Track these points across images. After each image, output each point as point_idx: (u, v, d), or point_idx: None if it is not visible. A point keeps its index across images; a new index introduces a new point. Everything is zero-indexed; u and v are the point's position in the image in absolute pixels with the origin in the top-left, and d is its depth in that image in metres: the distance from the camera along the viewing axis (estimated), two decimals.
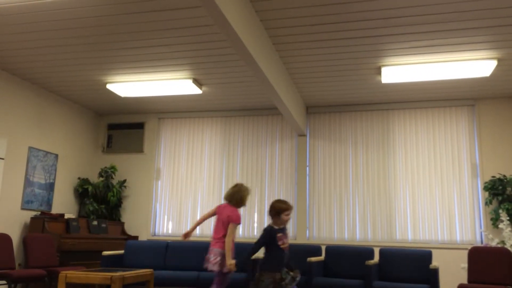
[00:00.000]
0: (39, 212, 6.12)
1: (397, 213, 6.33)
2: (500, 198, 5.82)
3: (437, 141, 6.42)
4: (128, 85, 6.06)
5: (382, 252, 5.32)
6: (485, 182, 5.97)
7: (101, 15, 4.23)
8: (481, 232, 6.00)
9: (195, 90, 6.10)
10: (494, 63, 5.01)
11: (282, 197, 6.74)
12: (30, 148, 6.17)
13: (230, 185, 7.06)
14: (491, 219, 5.87)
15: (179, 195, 7.17)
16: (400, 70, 5.26)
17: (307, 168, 6.76)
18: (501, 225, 5.49)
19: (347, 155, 6.68)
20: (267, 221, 6.69)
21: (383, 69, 5.26)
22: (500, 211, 5.62)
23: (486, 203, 5.93)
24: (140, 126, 7.52)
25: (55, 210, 6.57)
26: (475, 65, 5.07)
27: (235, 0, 3.53)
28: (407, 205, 6.32)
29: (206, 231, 6.92)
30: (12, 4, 4.07)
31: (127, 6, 4.05)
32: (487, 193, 5.99)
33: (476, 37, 4.50)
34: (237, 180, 6.98)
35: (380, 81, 5.68)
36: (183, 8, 4.06)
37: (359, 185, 6.53)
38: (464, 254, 5.94)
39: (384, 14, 4.09)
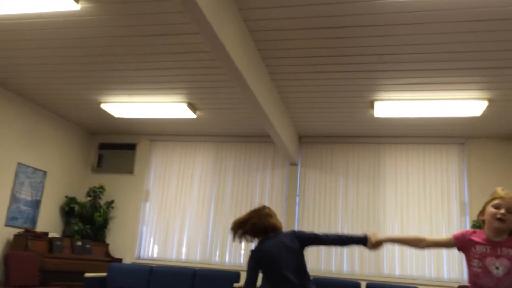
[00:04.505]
0: (23, 230, 6.01)
1: (385, 247, 6.29)
2: None
3: (427, 177, 6.45)
4: (123, 106, 6.06)
5: (369, 287, 5.27)
6: (474, 221, 5.97)
7: (98, 36, 4.26)
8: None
9: (189, 114, 6.12)
10: (485, 104, 5.09)
11: None
12: (19, 164, 6.10)
13: (219, 211, 7.06)
14: None
15: (167, 219, 7.09)
16: (392, 105, 5.33)
17: (297, 197, 6.74)
18: None
19: (338, 186, 6.68)
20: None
21: (376, 103, 5.33)
22: None
23: None
24: (131, 147, 7.49)
25: (39, 228, 6.46)
26: (466, 105, 5.15)
27: (233, 29, 3.59)
28: None
29: (192, 256, 6.81)
30: (10, 21, 4.09)
31: (125, 29, 4.09)
32: None
33: (468, 77, 4.59)
34: (227, 205, 6.93)
35: (373, 115, 5.74)
36: (181, 33, 4.11)
37: (348, 217, 6.51)
38: None
39: (379, 50, 4.17)
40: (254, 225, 2.95)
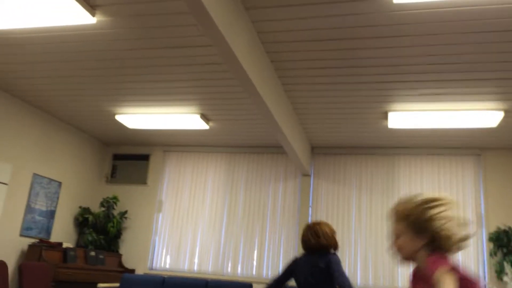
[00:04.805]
0: (38, 240, 6.06)
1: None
2: (505, 250, 5.71)
3: (442, 189, 6.36)
4: (137, 117, 6.11)
5: None
6: (490, 233, 5.87)
7: (113, 48, 4.32)
8: (485, 285, 5.85)
9: (202, 125, 6.15)
10: (501, 114, 5.02)
11: (283, 237, 6.66)
12: (34, 174, 6.17)
13: (231, 222, 7.05)
14: (496, 271, 5.74)
15: (179, 229, 7.09)
16: (407, 116, 5.28)
17: (310, 208, 6.70)
18: (505, 278, 5.36)
19: (351, 198, 6.63)
20: (266, 260, 6.59)
21: (390, 114, 5.29)
22: (505, 263, 5.50)
23: (490, 254, 5.81)
24: (145, 158, 7.54)
25: (54, 238, 6.51)
26: (482, 115, 5.09)
27: (246, 41, 3.61)
28: None
29: (204, 267, 6.80)
30: (27, 35, 4.17)
31: (140, 42, 4.14)
32: (491, 244, 5.89)
33: (483, 88, 4.54)
34: (239, 216, 6.92)
35: (387, 126, 5.70)
36: (194, 46, 4.14)
37: (361, 229, 6.44)
38: None
39: (393, 61, 4.15)
40: (304, 242, 3.38)
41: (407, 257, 1.61)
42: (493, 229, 5.99)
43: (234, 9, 3.30)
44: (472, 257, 6.00)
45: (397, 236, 1.60)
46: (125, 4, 3.56)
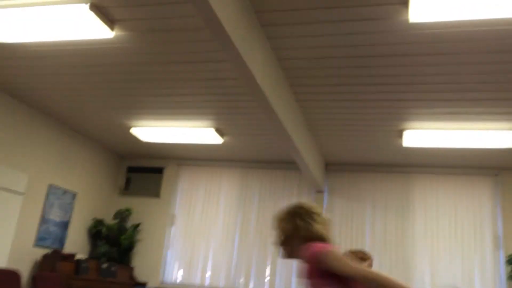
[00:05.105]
0: (51, 250, 6.10)
1: (414, 283, 6.08)
2: None
3: (458, 209, 6.25)
4: (152, 130, 6.16)
5: None
6: (508, 255, 5.73)
7: (131, 62, 4.38)
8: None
9: (216, 139, 6.17)
10: None
11: None
12: (50, 185, 6.24)
13: (244, 237, 7.01)
14: None
15: (192, 243, 7.08)
16: (422, 135, 5.23)
17: None
18: None
19: (365, 217, 6.55)
20: (279, 276, 6.52)
21: (405, 132, 5.25)
22: None
23: (509, 278, 5.66)
24: (159, 171, 7.58)
25: (67, 249, 6.55)
26: (499, 135, 5.01)
27: (262, 57, 3.63)
28: (424, 275, 6.08)
29: (216, 281, 6.75)
30: (47, 48, 4.25)
31: (157, 56, 4.19)
32: (510, 267, 5.74)
33: (500, 108, 4.48)
34: (252, 231, 6.88)
35: (402, 144, 5.65)
36: (210, 61, 4.18)
37: (375, 249, 6.35)
38: None
39: (409, 79, 4.13)
40: None
41: (290, 255, 1.92)
42: (511, 251, 5.85)
43: (250, 26, 3.33)
44: (490, 280, 5.86)
45: (280, 238, 1.93)
46: (143, 19, 3.62)
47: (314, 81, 4.36)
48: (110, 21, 3.70)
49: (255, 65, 3.44)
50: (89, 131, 6.71)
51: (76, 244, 6.80)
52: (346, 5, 3.19)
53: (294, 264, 6.55)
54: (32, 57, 4.49)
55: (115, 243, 6.99)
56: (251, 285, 6.64)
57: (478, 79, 4.00)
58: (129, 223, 7.32)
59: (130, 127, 6.27)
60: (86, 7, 3.42)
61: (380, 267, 6.23)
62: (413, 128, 5.18)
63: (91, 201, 7.13)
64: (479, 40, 3.42)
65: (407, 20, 3.24)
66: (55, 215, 6.36)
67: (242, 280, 6.70)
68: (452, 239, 6.14)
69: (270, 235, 6.79)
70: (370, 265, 3.45)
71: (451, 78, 4.03)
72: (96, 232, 7.04)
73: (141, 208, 7.45)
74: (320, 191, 6.71)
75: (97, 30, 3.72)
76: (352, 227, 6.54)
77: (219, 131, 6.04)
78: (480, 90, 4.19)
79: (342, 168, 6.83)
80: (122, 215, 7.18)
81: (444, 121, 4.90)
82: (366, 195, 6.64)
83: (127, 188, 7.63)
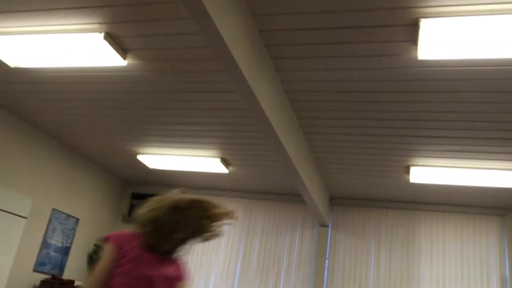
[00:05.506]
0: (50, 276, 6.02)
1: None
2: None
3: (464, 249, 6.14)
4: (158, 158, 6.18)
5: None
6: None
7: (141, 90, 4.44)
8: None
9: (222, 169, 6.16)
10: None
11: None
12: (53, 209, 6.22)
13: (245, 270, 6.89)
14: None
15: (191, 276, 6.97)
16: (429, 171, 5.20)
17: (327, 260, 6.52)
18: None
19: (370, 252, 6.45)
20: None
21: (412, 169, 5.22)
22: None
23: None
24: None
25: (66, 275, 6.46)
26: (506, 175, 4.97)
27: (270, 88, 3.66)
28: None
29: None
30: (58, 74, 4.32)
31: (167, 85, 4.25)
32: None
33: (508, 147, 4.46)
34: (253, 265, 6.77)
35: (408, 180, 5.61)
36: (219, 91, 4.22)
37: (380, 286, 6.21)
38: None
39: (416, 116, 4.14)
40: None
41: None
42: None
43: (260, 58, 3.38)
44: None
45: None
46: (155, 49, 3.68)
47: (322, 114, 4.38)
48: (123, 50, 3.76)
49: (263, 97, 3.47)
50: (95, 156, 6.73)
51: (76, 270, 6.71)
52: (356, 41, 3.23)
53: None
54: (44, 82, 4.55)
55: None
56: None
57: (487, 118, 4.00)
58: None
59: (136, 154, 6.29)
60: (100, 36, 3.50)
61: None
62: (421, 165, 5.15)
63: (93, 227, 7.08)
64: (488, 79, 3.44)
65: (416, 57, 3.28)
66: (57, 240, 6.31)
67: None
68: (458, 279, 6.00)
69: (272, 269, 6.68)
70: None
71: (459, 116, 4.04)
72: (97, 259, 6.95)
73: None
74: (324, 225, 6.63)
75: (110, 59, 3.79)
76: (356, 264, 6.42)
77: (225, 161, 6.04)
78: (489, 129, 4.18)
79: (347, 202, 6.77)
80: None
81: (452, 158, 4.88)
82: (371, 231, 6.55)
83: (131, 215, 7.58)
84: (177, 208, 2.03)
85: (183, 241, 2.07)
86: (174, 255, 2.10)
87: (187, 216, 2.03)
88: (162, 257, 2.05)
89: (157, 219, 2.00)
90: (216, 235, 2.07)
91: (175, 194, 2.12)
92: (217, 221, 2.05)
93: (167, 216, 2.00)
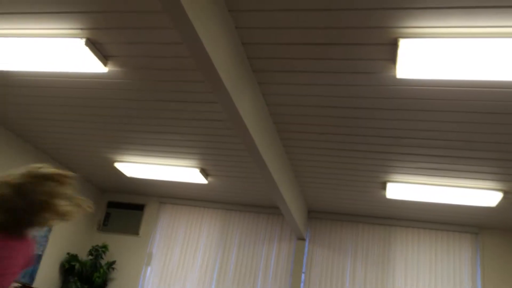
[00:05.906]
0: (20, 285, 5.86)
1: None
2: None
3: (438, 265, 6.22)
4: (136, 166, 6.11)
5: None
6: None
7: (120, 98, 4.40)
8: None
9: (201, 179, 6.13)
10: (500, 195, 5.01)
11: None
12: None
13: (221, 281, 6.84)
14: None
15: (167, 285, 6.87)
16: (405, 188, 5.27)
17: (303, 274, 6.52)
18: None
19: (345, 266, 6.47)
20: None
21: (389, 185, 5.28)
22: None
23: None
24: (140, 208, 7.45)
25: (37, 284, 6.30)
26: (480, 194, 5.07)
27: (251, 101, 3.68)
28: None
29: None
30: (39, 78, 4.26)
31: (147, 94, 4.22)
32: None
33: (483, 167, 4.56)
34: (230, 276, 6.72)
35: (385, 195, 5.68)
36: (200, 102, 4.22)
37: None
38: None
39: (394, 133, 4.20)
40: None
41: None
42: None
43: (242, 70, 3.39)
44: None
45: None
46: (136, 56, 3.67)
47: (301, 128, 4.41)
48: (104, 57, 3.74)
49: (244, 108, 3.48)
50: (71, 163, 6.62)
51: (47, 279, 6.55)
52: (336, 57, 3.28)
53: None
54: (21, 86, 4.48)
55: (88, 281, 6.75)
56: None
57: (462, 137, 4.08)
58: (104, 261, 7.10)
59: (114, 162, 6.21)
60: (82, 42, 3.46)
61: None
62: (397, 181, 5.22)
63: (67, 235, 6.93)
64: (464, 100, 3.52)
65: (395, 75, 3.34)
66: None
67: None
68: None
69: (248, 282, 6.64)
70: None
71: (435, 135, 4.11)
72: (69, 268, 6.80)
73: (119, 245, 7.26)
74: (301, 239, 6.64)
75: (90, 65, 3.75)
76: (332, 277, 6.44)
77: (204, 172, 6.01)
78: (464, 148, 4.27)
79: (324, 216, 6.80)
80: (98, 251, 6.97)
81: (428, 176, 4.95)
82: (347, 245, 6.59)
83: (106, 224, 7.46)
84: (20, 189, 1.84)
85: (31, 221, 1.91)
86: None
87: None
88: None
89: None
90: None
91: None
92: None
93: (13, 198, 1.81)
